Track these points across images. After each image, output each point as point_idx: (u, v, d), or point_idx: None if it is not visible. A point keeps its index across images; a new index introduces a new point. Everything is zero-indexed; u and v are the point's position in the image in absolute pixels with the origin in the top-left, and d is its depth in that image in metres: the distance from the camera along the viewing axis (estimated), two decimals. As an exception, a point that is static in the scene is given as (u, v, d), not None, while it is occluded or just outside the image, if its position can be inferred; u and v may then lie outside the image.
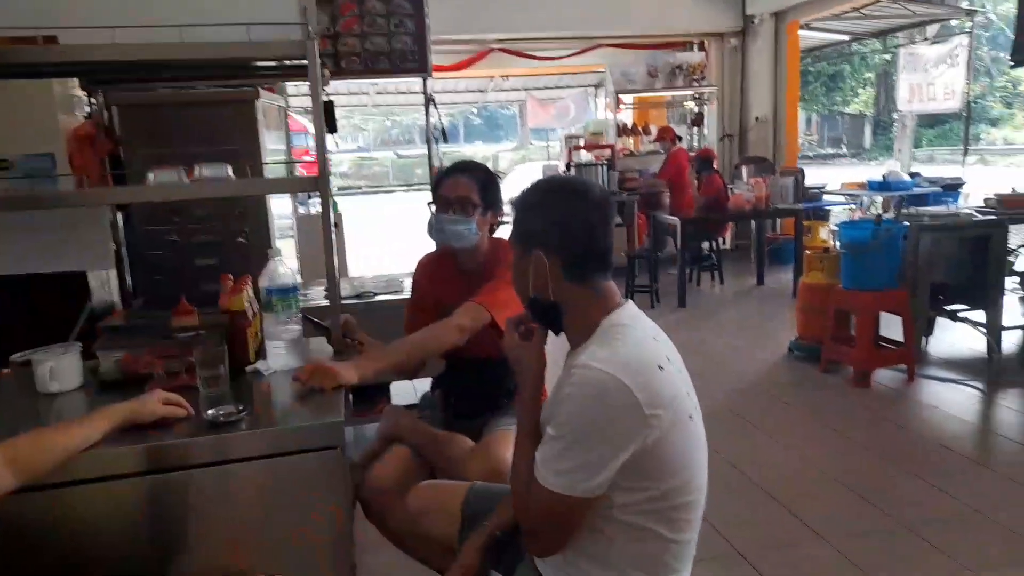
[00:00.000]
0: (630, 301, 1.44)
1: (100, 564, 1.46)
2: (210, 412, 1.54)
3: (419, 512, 1.78)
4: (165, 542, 1.50)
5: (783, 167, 8.16)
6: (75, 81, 3.35)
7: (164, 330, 1.98)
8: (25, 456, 1.32)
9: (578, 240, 1.36)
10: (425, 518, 1.76)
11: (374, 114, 23.34)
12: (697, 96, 9.35)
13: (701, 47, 9.42)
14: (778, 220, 8.26)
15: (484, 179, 2.15)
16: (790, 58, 8.57)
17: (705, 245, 7.50)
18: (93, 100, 3.51)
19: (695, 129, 9.50)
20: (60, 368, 1.75)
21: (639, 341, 1.34)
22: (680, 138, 8.24)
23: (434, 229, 2.15)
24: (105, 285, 3.07)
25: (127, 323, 2.99)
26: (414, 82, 12.67)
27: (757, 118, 8.86)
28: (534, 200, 1.42)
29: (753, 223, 7.80)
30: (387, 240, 10.92)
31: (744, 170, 8.11)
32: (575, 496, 1.27)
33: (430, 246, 2.33)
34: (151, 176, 1.86)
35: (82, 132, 3.17)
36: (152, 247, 3.10)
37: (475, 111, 25.72)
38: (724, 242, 8.08)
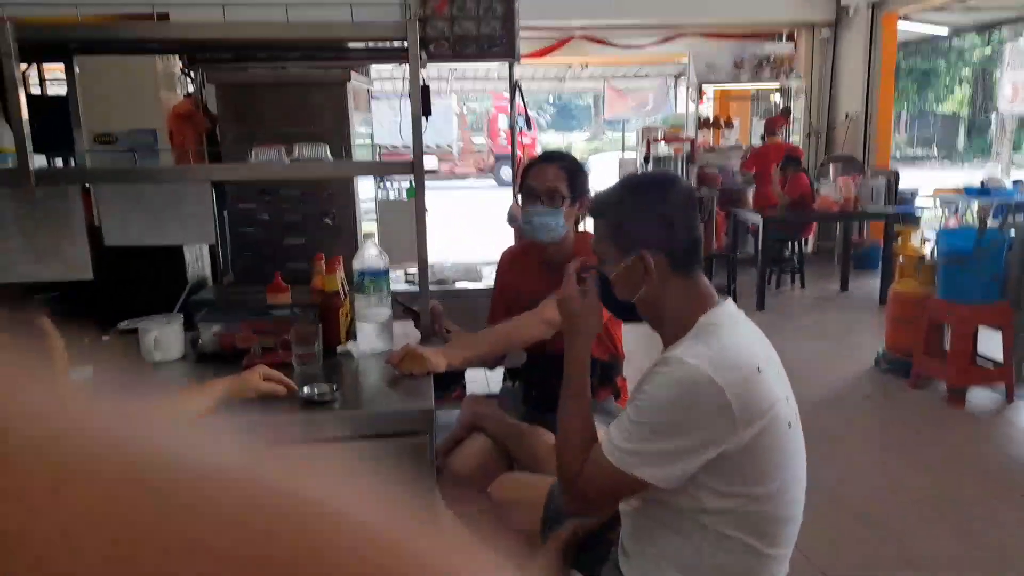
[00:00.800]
0: (729, 299, 1.39)
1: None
2: (306, 390, 1.57)
3: (502, 503, 1.78)
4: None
5: (874, 167, 7.82)
6: (176, 60, 3.48)
7: (258, 306, 2.03)
8: None
9: (680, 233, 1.35)
10: (507, 510, 1.76)
11: (449, 99, 23.48)
12: (784, 90, 9.04)
13: (790, 38, 9.10)
14: (866, 223, 7.93)
15: (572, 168, 2.11)
16: (885, 52, 8.19)
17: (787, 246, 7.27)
18: (191, 78, 3.64)
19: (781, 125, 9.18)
20: (164, 338, 1.81)
21: (737, 341, 1.30)
22: (774, 133, 7.97)
23: (521, 221, 2.13)
24: (199, 260, 3.18)
25: (217, 297, 3.10)
26: (492, 68, 12.77)
27: (847, 115, 8.51)
28: (626, 200, 1.39)
29: (839, 225, 7.51)
30: (460, 227, 11.00)
31: (831, 169, 7.81)
32: (637, 477, 1.24)
33: (504, 234, 2.32)
34: (253, 154, 1.90)
35: (182, 109, 3.31)
36: (243, 224, 3.18)
37: (549, 100, 25.58)
38: (806, 244, 7.81)
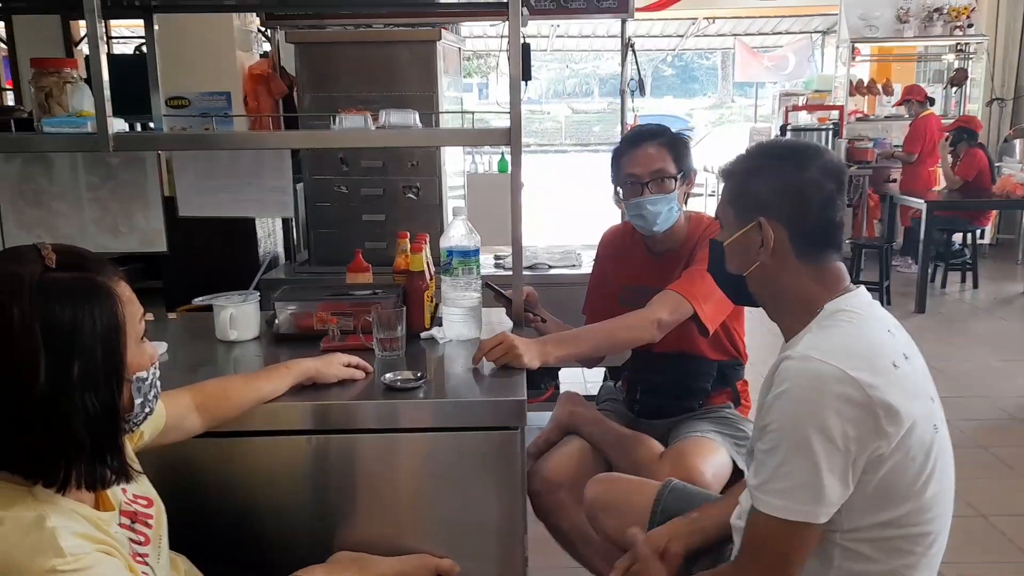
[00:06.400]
0: (862, 287, 1.41)
1: (264, 517, 1.66)
2: (388, 376, 1.69)
3: (596, 506, 1.82)
4: (328, 505, 1.67)
5: (1074, 143, 7.40)
6: (253, 17, 3.72)
7: (336, 286, 2.18)
8: (215, 403, 1.54)
9: (813, 211, 1.37)
10: (605, 514, 1.80)
11: (549, 60, 23.62)
12: (960, 48, 8.63)
13: (970, -15, 8.69)
14: (1060, 212, 7.51)
15: (673, 142, 2.13)
16: (1096, 1, 7.71)
17: (957, 238, 6.98)
18: (267, 37, 3.88)
19: (954, 90, 8.80)
20: (241, 316, 1.98)
21: (870, 332, 1.32)
22: (932, 100, 7.68)
23: (628, 214, 2.17)
24: (271, 236, 3.41)
25: (291, 276, 3.31)
26: (599, 24, 12.75)
27: (1042, 78, 8.08)
28: (760, 163, 1.43)
29: (1024, 214, 7.16)
30: (559, 206, 11.09)
31: (1018, 145, 7.44)
32: (803, 522, 1.24)
33: (608, 214, 2.36)
34: (336, 121, 2.04)
35: (258, 71, 3.53)
36: (319, 198, 3.36)
37: (667, 60, 25.27)
38: (983, 235, 7.48)
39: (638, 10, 4.46)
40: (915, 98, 7.51)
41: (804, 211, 1.37)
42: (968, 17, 8.19)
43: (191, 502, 1.58)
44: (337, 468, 1.67)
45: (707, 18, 12.74)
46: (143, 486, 1.30)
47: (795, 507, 1.24)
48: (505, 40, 2.04)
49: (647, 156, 2.10)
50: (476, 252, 2.00)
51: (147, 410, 1.23)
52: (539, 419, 2.60)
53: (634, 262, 2.28)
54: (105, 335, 1.10)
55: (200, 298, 2.08)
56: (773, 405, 1.28)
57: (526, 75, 2.35)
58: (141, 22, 2.46)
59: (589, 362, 2.39)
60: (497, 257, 3.54)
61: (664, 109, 22.53)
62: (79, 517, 1.10)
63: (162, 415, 1.42)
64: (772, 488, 1.26)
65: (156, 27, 2.38)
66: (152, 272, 3.16)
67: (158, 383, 1.25)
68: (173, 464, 1.56)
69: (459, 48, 3.79)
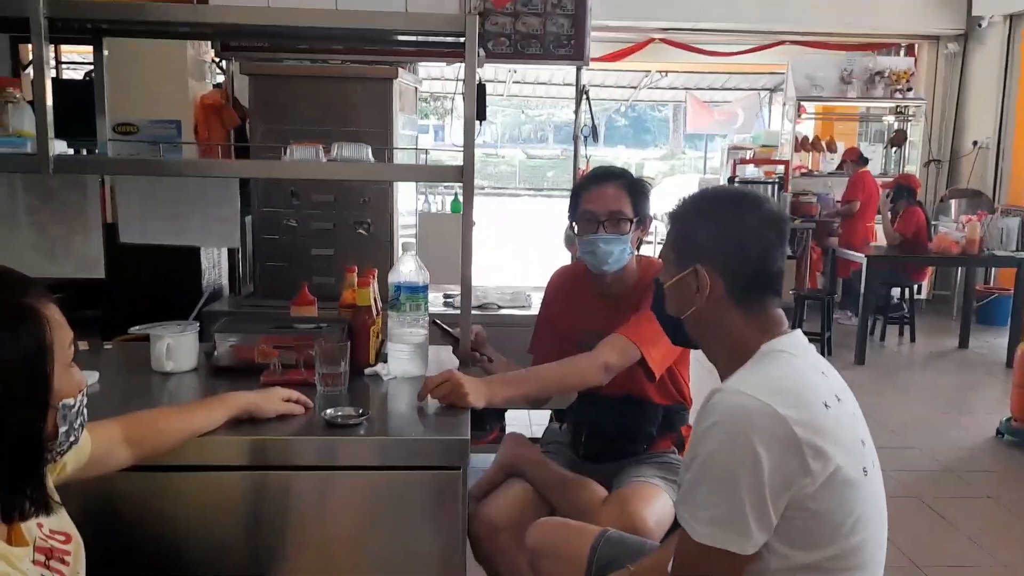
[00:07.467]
0: (798, 330, 1.43)
1: (193, 556, 1.60)
2: (329, 412, 1.65)
3: (538, 552, 1.81)
4: (262, 544, 1.62)
5: (1005, 205, 7.68)
6: (207, 47, 3.69)
7: (280, 319, 2.14)
8: (144, 435, 1.48)
9: (751, 259, 1.39)
10: (545, 561, 1.79)
11: (506, 106, 23.88)
12: (900, 110, 8.96)
13: (910, 51, 9.04)
14: (993, 270, 7.76)
15: (633, 186, 2.17)
16: (1025, 71, 8.08)
17: (895, 292, 7.17)
18: (222, 69, 3.85)
19: (894, 150, 9.11)
20: (178, 347, 1.92)
21: (802, 372, 1.34)
22: (866, 159, 7.99)
23: (580, 250, 2.18)
24: (216, 267, 3.33)
25: (235, 308, 3.24)
26: (557, 71, 12.96)
27: (975, 142, 8.39)
28: (700, 209, 1.46)
29: (960, 270, 7.38)
30: (511, 249, 11.14)
31: (953, 205, 7.71)
32: (729, 551, 1.24)
33: (559, 259, 2.37)
34: (289, 152, 2.02)
35: (210, 101, 3.50)
36: (268, 231, 3.31)
37: (621, 110, 25.75)
38: (920, 290, 7.70)
39: (593, 60, 4.54)
40: (850, 159, 7.87)
41: (742, 259, 1.38)
42: (908, 81, 8.53)
43: (115, 539, 1.51)
44: (272, 506, 1.61)
45: (660, 71, 13.03)
46: (61, 520, 1.23)
47: (721, 536, 1.24)
48: (462, 82, 2.05)
49: (606, 195, 2.13)
50: (424, 288, 1.98)
51: (72, 439, 1.17)
52: (484, 460, 2.55)
53: (584, 305, 2.27)
54: (30, 358, 1.06)
55: (137, 327, 2.01)
56: (702, 437, 1.28)
57: (480, 115, 2.36)
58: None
59: (535, 403, 2.37)
60: (447, 296, 3.51)
61: (617, 158, 22.89)
62: (-11, 553, 1.04)
63: (87, 446, 1.36)
64: (699, 516, 1.27)
65: (106, 52, 2.34)
66: (91, 300, 3.06)
67: (85, 412, 1.20)
68: (97, 498, 1.50)
69: (415, 88, 3.80)
